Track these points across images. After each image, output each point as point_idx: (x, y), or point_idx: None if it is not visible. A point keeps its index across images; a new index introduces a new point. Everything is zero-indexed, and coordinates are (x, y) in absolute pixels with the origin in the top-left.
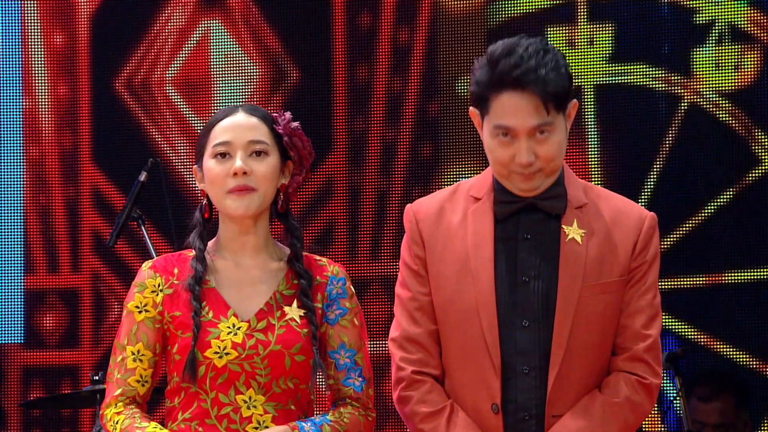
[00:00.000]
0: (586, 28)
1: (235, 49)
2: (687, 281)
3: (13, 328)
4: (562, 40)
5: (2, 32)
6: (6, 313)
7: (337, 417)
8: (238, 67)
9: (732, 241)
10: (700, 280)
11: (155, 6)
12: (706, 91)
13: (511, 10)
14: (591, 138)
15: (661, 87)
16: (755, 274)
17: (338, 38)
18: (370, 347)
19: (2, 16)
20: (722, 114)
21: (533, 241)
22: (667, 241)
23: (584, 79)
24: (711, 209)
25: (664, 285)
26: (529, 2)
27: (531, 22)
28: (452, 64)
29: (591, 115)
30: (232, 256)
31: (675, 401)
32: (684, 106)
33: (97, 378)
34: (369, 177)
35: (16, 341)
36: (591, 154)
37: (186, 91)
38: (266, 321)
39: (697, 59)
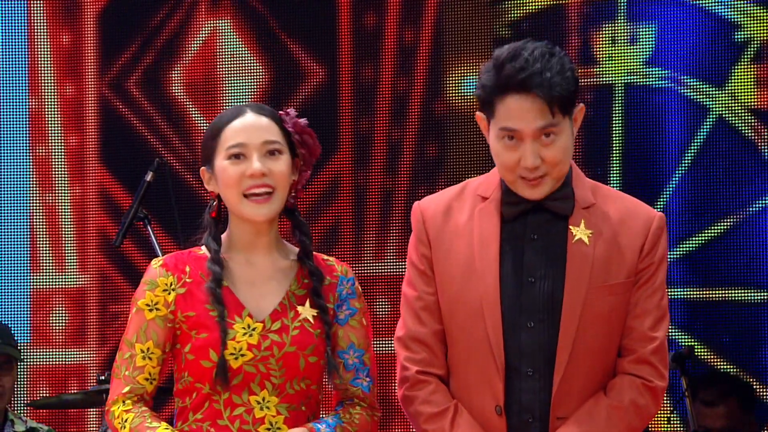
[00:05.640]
0: None
1: (242, 49)
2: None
3: (19, 328)
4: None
5: (8, 32)
6: (12, 312)
7: (348, 418)
8: (245, 66)
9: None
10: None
11: (162, 5)
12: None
13: (516, 11)
14: None
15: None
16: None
17: (344, 38)
18: (376, 346)
19: (8, 16)
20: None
21: (540, 241)
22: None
23: None
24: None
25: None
26: (534, 2)
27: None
28: (458, 64)
29: None
30: (244, 255)
31: (681, 401)
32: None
33: (103, 378)
34: (374, 177)
35: (21, 341)
36: None
37: (193, 90)
38: (281, 322)
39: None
